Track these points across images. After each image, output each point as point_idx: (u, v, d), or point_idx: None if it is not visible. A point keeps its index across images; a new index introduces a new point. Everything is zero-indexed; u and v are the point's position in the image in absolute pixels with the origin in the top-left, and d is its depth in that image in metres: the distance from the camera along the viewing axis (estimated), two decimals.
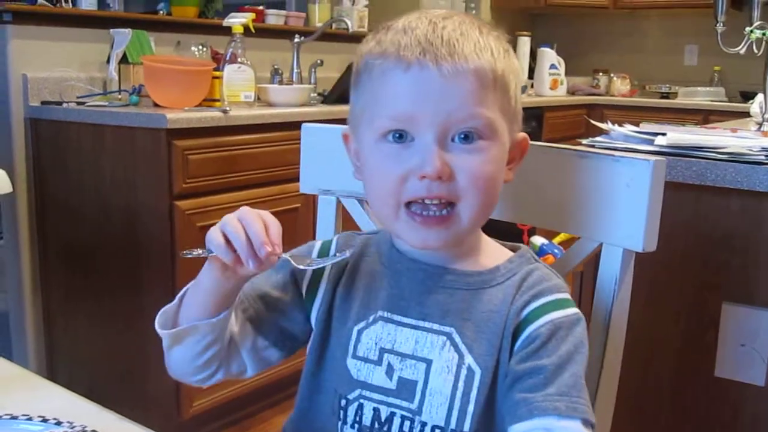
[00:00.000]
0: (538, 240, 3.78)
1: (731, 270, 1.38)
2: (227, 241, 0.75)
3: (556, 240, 3.81)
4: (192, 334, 0.82)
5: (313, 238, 1.01)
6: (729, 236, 1.38)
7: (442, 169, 0.75)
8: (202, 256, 0.78)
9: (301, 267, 0.83)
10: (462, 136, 0.77)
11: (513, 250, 0.88)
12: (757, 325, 1.37)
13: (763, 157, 1.33)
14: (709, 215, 1.40)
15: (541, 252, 3.73)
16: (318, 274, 0.89)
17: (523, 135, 0.87)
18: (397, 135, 0.78)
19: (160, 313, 0.84)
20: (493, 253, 0.87)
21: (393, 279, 0.85)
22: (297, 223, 2.58)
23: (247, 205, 0.80)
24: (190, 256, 0.78)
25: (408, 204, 0.78)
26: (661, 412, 1.48)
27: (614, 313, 0.94)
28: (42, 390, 0.82)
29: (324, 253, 0.92)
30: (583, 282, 1.46)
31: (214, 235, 0.76)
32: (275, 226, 0.76)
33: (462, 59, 0.76)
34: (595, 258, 0.98)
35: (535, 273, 0.84)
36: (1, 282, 2.93)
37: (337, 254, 0.88)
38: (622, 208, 0.92)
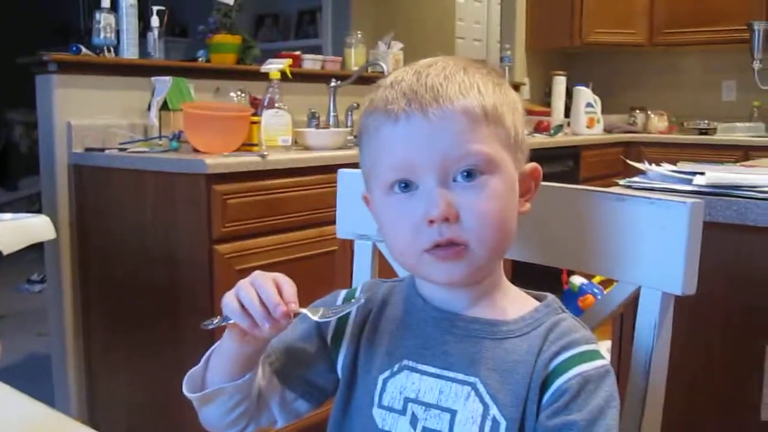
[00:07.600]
0: (577, 280, 3.75)
1: None
2: (242, 306, 0.76)
3: (596, 279, 3.76)
4: (219, 395, 0.83)
5: (350, 281, 1.01)
6: None
7: (447, 210, 0.76)
8: (222, 324, 0.79)
9: (316, 318, 0.83)
10: (464, 174, 0.77)
11: (539, 299, 0.87)
12: None
13: None
14: (751, 256, 1.37)
15: (581, 291, 3.70)
16: (342, 322, 0.89)
17: (533, 165, 0.86)
18: (403, 185, 0.79)
19: (187, 376, 0.86)
20: (519, 302, 0.86)
21: (417, 327, 0.85)
22: (335, 266, 2.58)
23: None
24: (210, 326, 0.79)
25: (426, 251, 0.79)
26: None
27: (654, 357, 0.93)
28: None
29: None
30: (623, 325, 1.44)
31: (229, 301, 0.77)
32: (288, 285, 0.77)
33: (447, 102, 0.77)
34: (634, 301, 0.97)
35: (562, 324, 0.82)
36: (43, 325, 2.97)
37: (352, 300, 0.88)
38: (660, 251, 0.91)
